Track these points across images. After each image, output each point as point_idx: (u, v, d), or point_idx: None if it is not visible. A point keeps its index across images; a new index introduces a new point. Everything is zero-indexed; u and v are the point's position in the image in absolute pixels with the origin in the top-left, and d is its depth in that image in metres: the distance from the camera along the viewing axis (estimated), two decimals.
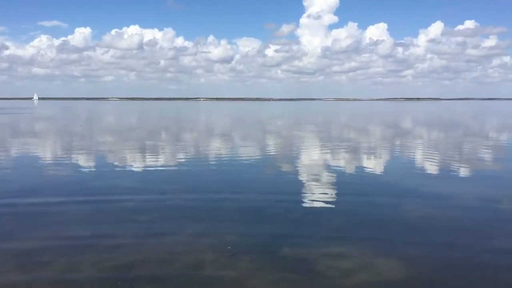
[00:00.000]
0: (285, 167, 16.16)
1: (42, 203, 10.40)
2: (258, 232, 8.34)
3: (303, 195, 11.49)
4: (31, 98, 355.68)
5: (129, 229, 8.41)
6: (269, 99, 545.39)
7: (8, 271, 6.39)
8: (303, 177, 14.10)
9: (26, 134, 31.83)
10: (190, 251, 7.29)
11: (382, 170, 15.69)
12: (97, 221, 8.90)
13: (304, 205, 10.47)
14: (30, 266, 6.57)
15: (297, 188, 12.30)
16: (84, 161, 17.65)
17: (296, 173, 15.01)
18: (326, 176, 14.14)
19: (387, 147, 23.71)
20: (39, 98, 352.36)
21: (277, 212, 9.76)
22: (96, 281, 6.15)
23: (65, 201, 10.59)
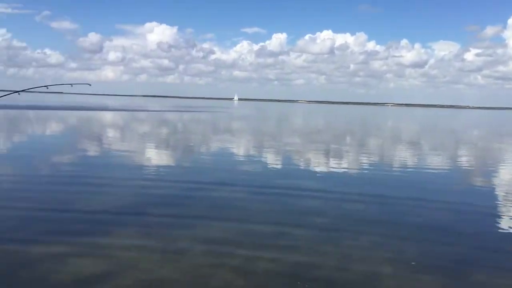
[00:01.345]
0: (479, 181, 14.50)
1: (230, 195, 11.15)
2: (445, 251, 7.54)
3: (498, 215, 10.08)
4: (231, 99, 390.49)
5: (307, 229, 8.43)
6: (465, 107, 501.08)
7: (194, 256, 6.91)
8: (500, 195, 12.42)
9: (224, 131, 34.97)
10: (366, 260, 6.95)
11: None
12: (278, 218, 9.13)
13: (501, 227, 9.15)
14: (214, 254, 7.01)
15: (490, 206, 10.83)
16: (272, 159, 18.52)
17: (492, 189, 13.31)
18: None
19: None
20: (238, 99, 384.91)
21: (470, 231, 8.73)
22: (274, 277, 6.25)
23: (250, 196, 11.19)
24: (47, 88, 5.49)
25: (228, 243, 7.44)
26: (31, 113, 52.35)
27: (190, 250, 7.02)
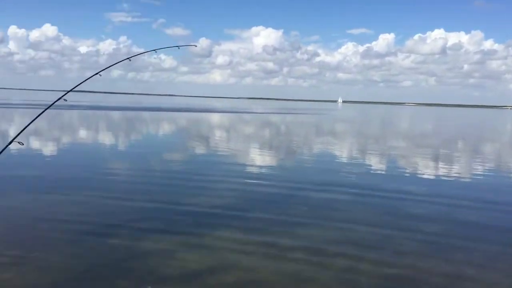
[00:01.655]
0: None
1: (332, 197, 11.00)
2: None
3: None
4: (335, 101, 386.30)
5: (414, 236, 8.03)
6: None
7: (296, 258, 6.90)
8: None
9: (327, 133, 34.68)
10: (482, 275, 6.43)
11: None
12: (382, 223, 8.80)
13: None
14: (315, 256, 6.92)
15: None
16: (376, 162, 17.99)
17: None
18: None
19: None
20: (342, 101, 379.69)
21: None
22: (377, 284, 6.03)
23: (352, 198, 10.94)
24: (156, 52, 5.63)
25: (329, 246, 7.33)
26: (146, 114, 56.18)
27: (292, 252, 7.02)
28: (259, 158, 18.32)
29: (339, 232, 8.15)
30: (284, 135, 32.10)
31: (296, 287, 5.85)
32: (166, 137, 27.68)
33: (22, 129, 4.07)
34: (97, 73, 5.07)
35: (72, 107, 64.05)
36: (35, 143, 20.33)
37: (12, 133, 23.24)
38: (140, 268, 6.20)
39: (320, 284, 5.94)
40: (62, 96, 4.59)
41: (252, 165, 16.22)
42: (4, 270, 5.94)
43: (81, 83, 4.92)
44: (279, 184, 12.47)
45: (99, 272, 6.05)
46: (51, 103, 4.66)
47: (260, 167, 15.88)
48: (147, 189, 11.35)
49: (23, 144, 4.00)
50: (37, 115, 4.61)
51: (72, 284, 5.71)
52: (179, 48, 6.21)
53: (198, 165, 15.96)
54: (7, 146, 4.05)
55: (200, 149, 21.21)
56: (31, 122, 4.40)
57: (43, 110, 4.66)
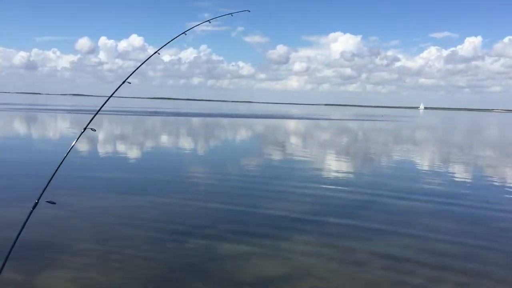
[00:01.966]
0: None
1: (411, 207, 10.56)
2: None
3: None
4: (416, 107, 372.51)
5: (502, 249, 7.52)
6: None
7: (372, 270, 6.67)
8: None
9: (407, 141, 33.47)
10: None
11: None
12: (467, 234, 8.31)
13: None
14: (393, 270, 6.63)
15: None
16: (459, 171, 17.10)
17: None
18: None
19: None
20: (424, 108, 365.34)
21: None
22: None
23: (433, 208, 10.43)
24: (210, 22, 5.70)
25: (408, 260, 6.98)
26: (225, 120, 57.49)
27: (368, 263, 6.80)
28: (337, 164, 18.05)
29: (420, 241, 7.81)
30: (363, 142, 31.39)
31: None
32: (245, 142, 28.11)
33: (93, 116, 4.39)
34: (155, 53, 5.30)
35: (155, 113, 67.13)
36: (120, 147, 21.54)
37: (102, 135, 24.73)
38: (216, 271, 6.31)
39: None
40: (126, 79, 4.90)
41: (329, 171, 16.03)
42: (89, 268, 6.31)
43: (140, 65, 5.23)
44: (357, 190, 12.23)
45: (177, 273, 6.24)
46: (116, 88, 4.95)
47: (338, 173, 15.64)
48: (225, 192, 11.58)
49: (95, 131, 4.36)
50: (107, 107, 4.94)
51: (151, 283, 5.93)
52: (232, 15, 6.43)
53: (276, 170, 16.04)
54: (82, 133, 4.39)
55: (277, 155, 21.29)
56: (99, 109, 4.70)
57: (109, 96, 4.97)
